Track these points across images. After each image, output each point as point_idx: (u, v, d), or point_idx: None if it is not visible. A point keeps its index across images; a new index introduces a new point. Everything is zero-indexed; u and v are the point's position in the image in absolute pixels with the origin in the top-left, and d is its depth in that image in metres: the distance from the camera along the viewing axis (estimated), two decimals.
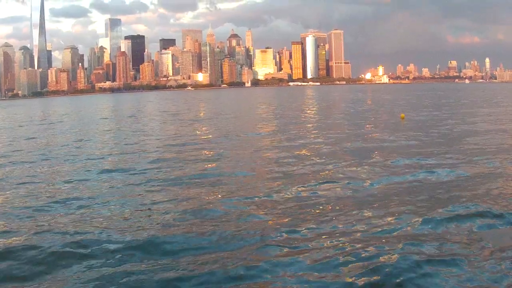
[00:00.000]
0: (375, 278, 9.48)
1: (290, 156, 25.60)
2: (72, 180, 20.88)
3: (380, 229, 12.33)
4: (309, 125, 46.58)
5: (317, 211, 14.42)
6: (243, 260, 10.59)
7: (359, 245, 11.14)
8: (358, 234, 12.00)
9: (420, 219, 12.95)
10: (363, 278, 9.47)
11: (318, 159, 24.21)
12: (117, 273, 10.08)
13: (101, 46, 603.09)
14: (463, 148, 26.29)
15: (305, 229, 12.52)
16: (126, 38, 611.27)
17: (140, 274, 10.12)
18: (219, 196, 17.04)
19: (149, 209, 15.37)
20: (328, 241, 11.56)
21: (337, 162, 22.88)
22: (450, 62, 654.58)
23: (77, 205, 16.25)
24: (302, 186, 17.86)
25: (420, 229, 12.23)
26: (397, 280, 9.32)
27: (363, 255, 10.57)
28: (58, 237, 12.59)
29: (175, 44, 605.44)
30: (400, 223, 12.80)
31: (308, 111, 74.02)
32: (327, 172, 20.52)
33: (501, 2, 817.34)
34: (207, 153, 28.34)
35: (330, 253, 10.77)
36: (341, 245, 11.31)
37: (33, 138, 42.87)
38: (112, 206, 15.90)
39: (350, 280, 9.45)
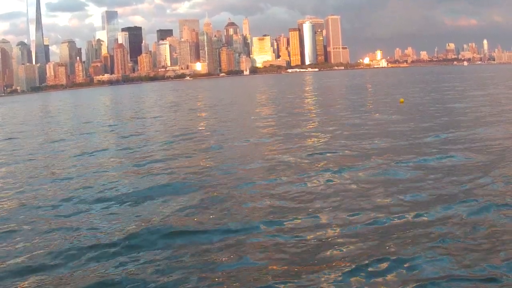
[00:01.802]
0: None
1: (288, 141, 26.42)
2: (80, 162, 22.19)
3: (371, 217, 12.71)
4: (307, 110, 47.49)
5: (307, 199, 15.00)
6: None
7: (358, 230, 11.55)
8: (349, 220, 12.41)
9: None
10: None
11: (316, 142, 25.30)
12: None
13: (98, 39, 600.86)
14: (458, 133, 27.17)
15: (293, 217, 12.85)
16: (123, 30, 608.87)
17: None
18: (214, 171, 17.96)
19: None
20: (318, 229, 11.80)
21: (334, 147, 23.79)
22: (448, 45, 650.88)
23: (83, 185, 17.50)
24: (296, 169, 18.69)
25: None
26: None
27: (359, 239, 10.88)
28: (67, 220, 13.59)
29: (172, 35, 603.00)
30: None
31: (307, 98, 74.74)
32: (324, 159, 20.93)
33: None
34: (203, 143, 29.02)
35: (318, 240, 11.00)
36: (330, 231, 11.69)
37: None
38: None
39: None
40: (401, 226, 11.54)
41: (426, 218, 11.90)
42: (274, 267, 9.67)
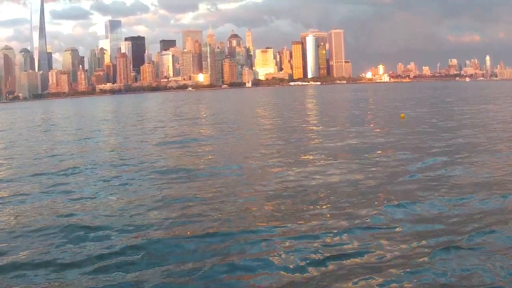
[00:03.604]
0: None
1: (289, 152, 26.08)
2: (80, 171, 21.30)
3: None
4: (310, 123, 46.81)
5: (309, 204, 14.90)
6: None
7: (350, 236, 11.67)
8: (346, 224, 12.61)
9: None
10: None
11: (317, 157, 24.51)
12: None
13: (102, 47, 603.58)
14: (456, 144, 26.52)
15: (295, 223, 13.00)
16: (126, 39, 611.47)
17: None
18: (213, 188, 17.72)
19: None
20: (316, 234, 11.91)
21: (334, 159, 23.43)
22: (451, 61, 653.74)
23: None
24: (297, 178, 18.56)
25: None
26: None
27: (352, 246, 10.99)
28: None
29: (175, 45, 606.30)
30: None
31: (309, 112, 74.24)
32: (324, 168, 21.01)
33: (501, 1, 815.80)
34: (206, 149, 28.77)
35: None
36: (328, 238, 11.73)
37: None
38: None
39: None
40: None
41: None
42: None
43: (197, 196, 16.91)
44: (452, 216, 13.13)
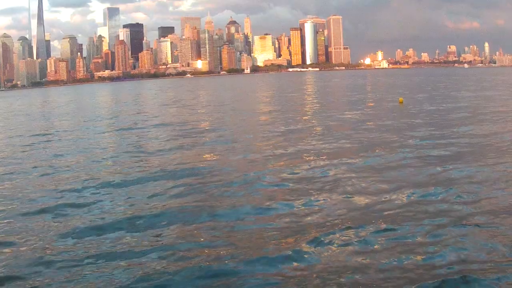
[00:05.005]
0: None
1: (286, 138, 27.39)
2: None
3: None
4: (307, 108, 47.80)
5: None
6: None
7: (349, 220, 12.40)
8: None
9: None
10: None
11: (314, 140, 25.64)
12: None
13: (100, 35, 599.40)
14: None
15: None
16: (125, 26, 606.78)
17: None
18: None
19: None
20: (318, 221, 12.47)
21: (333, 142, 24.47)
22: (449, 47, 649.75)
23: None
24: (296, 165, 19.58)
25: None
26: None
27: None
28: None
29: (173, 32, 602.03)
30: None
31: (307, 96, 75.02)
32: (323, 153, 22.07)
33: None
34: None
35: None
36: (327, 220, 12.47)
37: None
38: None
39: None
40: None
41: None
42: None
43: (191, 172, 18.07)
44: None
